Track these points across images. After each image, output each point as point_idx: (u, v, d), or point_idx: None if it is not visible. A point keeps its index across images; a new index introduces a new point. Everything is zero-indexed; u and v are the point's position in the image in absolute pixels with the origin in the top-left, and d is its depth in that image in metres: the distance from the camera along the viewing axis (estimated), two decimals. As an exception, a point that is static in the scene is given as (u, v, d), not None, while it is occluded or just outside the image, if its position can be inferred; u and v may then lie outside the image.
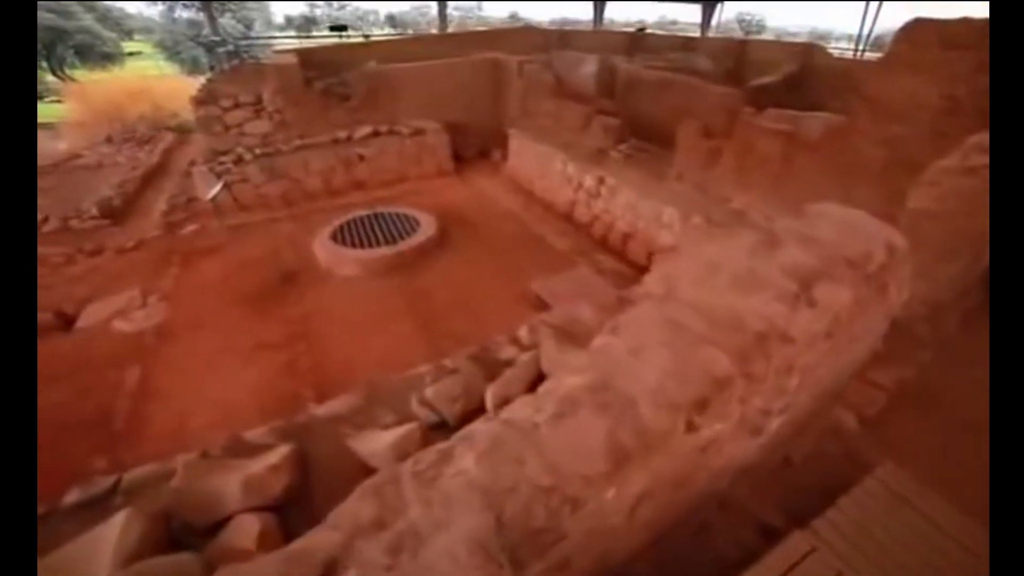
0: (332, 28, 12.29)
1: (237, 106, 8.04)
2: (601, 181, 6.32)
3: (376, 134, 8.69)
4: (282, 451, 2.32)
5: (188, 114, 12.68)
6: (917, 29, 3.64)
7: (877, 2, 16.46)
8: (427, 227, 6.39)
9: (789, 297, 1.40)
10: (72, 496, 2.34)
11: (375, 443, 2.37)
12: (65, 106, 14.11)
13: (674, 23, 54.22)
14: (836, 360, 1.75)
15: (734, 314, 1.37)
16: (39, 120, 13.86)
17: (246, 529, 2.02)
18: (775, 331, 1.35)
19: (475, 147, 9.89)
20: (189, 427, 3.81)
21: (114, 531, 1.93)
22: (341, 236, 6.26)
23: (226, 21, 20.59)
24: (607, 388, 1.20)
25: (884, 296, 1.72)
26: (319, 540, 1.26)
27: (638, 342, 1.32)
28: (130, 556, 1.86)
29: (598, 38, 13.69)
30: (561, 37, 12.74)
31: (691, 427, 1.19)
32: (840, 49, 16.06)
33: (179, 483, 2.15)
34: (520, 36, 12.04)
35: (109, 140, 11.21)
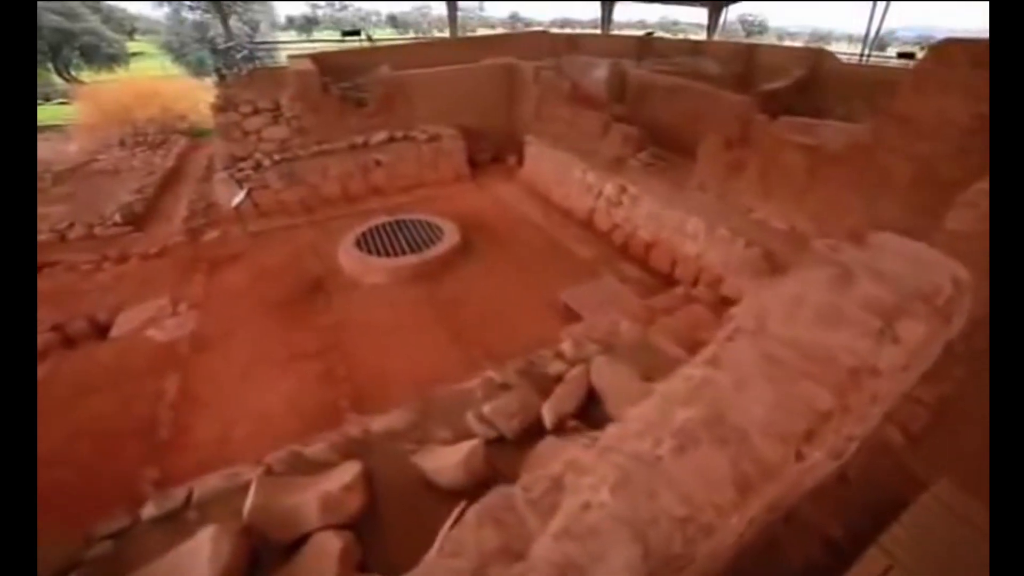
0: (345, 33, 12.35)
1: (255, 112, 8.10)
2: (623, 190, 6.41)
3: (392, 139, 8.77)
4: (353, 469, 2.40)
5: (197, 116, 12.78)
6: (947, 48, 3.73)
7: (884, 2, 16.58)
8: (450, 234, 6.47)
9: (874, 333, 1.49)
10: (149, 510, 2.42)
11: (440, 460, 2.45)
12: (73, 108, 14.14)
13: (675, 23, 54.40)
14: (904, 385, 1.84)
15: (825, 349, 1.46)
16: (50, 123, 13.89)
17: (327, 547, 2.10)
18: (865, 366, 1.44)
19: (489, 152, 9.97)
20: (232, 437, 3.88)
21: (204, 548, 2.01)
22: (365, 244, 6.33)
23: (232, 23, 20.67)
24: (721, 421, 1.28)
25: (948, 326, 1.81)
26: (444, 567, 1.34)
27: (740, 376, 1.40)
28: (224, 573, 1.94)
29: (607, 42, 13.78)
30: (570, 41, 12.82)
31: (799, 457, 1.28)
32: (844, 53, 16.17)
33: (258, 500, 2.23)
34: (530, 40, 12.12)
35: (122, 144, 11.25)
